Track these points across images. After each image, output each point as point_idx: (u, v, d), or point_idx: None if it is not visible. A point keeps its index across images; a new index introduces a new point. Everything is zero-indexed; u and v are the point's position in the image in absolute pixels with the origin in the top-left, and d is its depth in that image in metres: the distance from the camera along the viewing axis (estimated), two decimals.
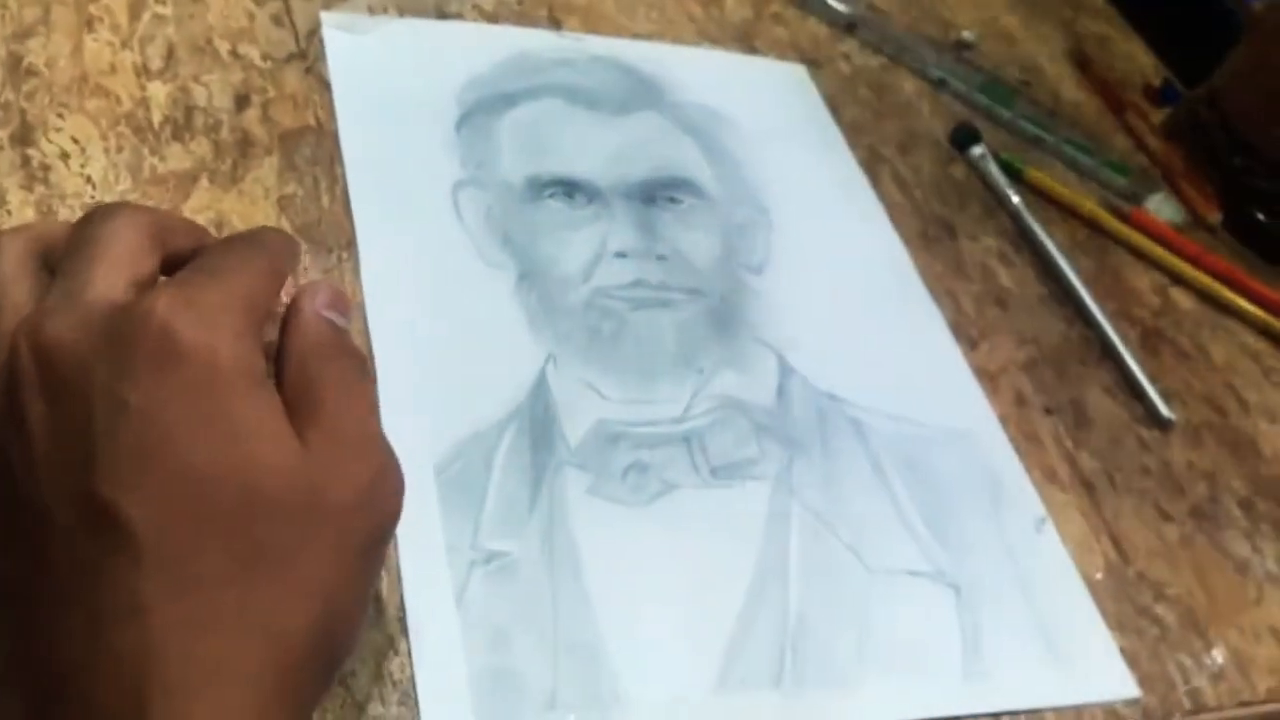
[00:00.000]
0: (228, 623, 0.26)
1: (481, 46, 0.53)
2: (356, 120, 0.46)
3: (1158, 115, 0.69)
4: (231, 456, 0.26)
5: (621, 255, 0.46)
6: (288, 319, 0.31)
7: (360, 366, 0.31)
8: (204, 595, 0.25)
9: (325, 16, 0.50)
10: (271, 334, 0.31)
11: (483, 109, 0.49)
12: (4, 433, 0.27)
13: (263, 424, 0.27)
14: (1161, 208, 0.62)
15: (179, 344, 0.26)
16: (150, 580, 0.25)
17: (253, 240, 0.32)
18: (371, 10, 0.52)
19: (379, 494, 0.29)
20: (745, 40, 0.61)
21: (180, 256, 0.32)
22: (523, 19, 0.56)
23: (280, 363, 0.30)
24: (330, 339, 0.31)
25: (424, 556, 0.35)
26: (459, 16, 0.54)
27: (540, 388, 0.41)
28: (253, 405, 0.27)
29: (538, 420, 0.40)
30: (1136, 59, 0.75)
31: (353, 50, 0.49)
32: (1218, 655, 0.43)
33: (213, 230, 0.41)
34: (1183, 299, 0.59)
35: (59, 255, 0.31)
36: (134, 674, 0.25)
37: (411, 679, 0.33)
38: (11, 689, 0.26)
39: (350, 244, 0.42)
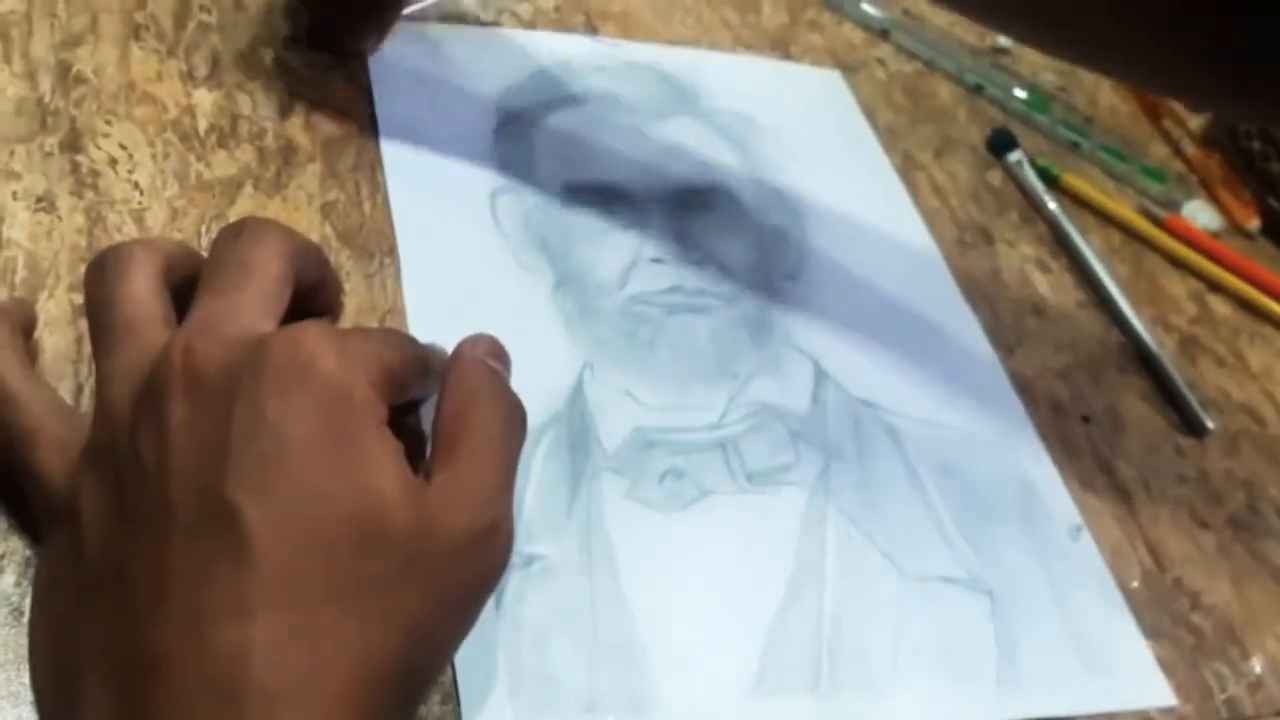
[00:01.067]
0: (324, 638, 0.27)
1: (519, 54, 0.53)
2: (396, 127, 0.47)
3: (1195, 122, 0.69)
4: (353, 484, 0.28)
5: (658, 261, 0.46)
6: (451, 363, 0.34)
7: (511, 417, 0.33)
8: (306, 608, 0.27)
9: None
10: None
11: (521, 117, 0.50)
12: (143, 431, 0.29)
13: (383, 457, 0.29)
14: (1198, 215, 0.62)
15: (320, 373, 0.28)
16: (258, 586, 0.26)
17: (401, 331, 0.38)
18: (411, 18, 0.52)
19: (485, 549, 0.30)
20: (780, 46, 0.61)
21: (305, 284, 0.35)
22: (559, 25, 0.56)
23: (439, 404, 0.32)
24: (487, 384, 0.33)
25: None
26: (497, 24, 0.55)
27: (577, 394, 0.41)
28: (376, 439, 0.29)
29: (575, 427, 0.40)
30: None
31: (393, 57, 0.50)
32: (1255, 664, 0.43)
33: None
34: (1220, 306, 0.58)
35: (189, 268, 0.34)
36: (229, 674, 0.26)
37: (453, 679, 0.33)
38: (103, 676, 0.27)
39: (392, 250, 0.43)
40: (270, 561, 0.26)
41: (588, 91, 0.53)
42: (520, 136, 0.49)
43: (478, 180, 0.47)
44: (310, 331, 0.29)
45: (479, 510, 0.30)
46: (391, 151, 0.46)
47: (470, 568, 0.30)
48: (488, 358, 0.34)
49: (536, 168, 0.48)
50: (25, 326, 0.35)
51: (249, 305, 0.31)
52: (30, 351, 0.35)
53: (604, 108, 0.52)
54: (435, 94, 0.49)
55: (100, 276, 0.33)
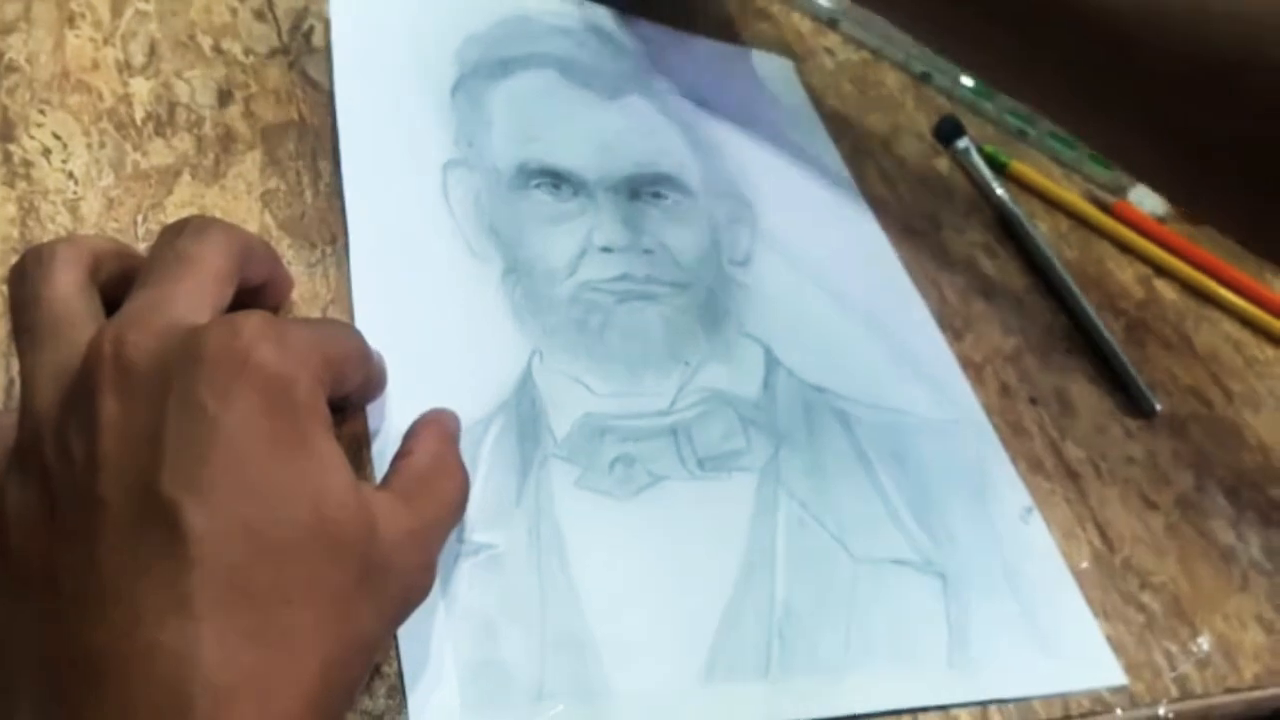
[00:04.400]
0: (275, 639, 0.26)
1: (481, 2, 0.53)
2: (352, 82, 0.46)
3: None
4: (304, 485, 0.27)
5: (607, 250, 0.46)
6: (426, 415, 0.36)
7: (466, 494, 0.34)
8: (255, 609, 0.26)
9: None
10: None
11: (479, 74, 0.49)
12: (71, 426, 0.28)
13: (335, 461, 0.28)
14: (1144, 200, 0.62)
15: (259, 364, 0.28)
16: (203, 586, 0.25)
17: (343, 321, 0.38)
18: None
19: (418, 569, 0.31)
20: (730, 34, 0.61)
21: (251, 283, 0.34)
22: None
23: (405, 447, 0.34)
24: (454, 450, 0.35)
25: None
26: None
27: (526, 382, 0.40)
28: (326, 441, 0.29)
29: (524, 414, 0.40)
30: None
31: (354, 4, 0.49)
32: (1204, 642, 0.44)
33: None
34: (1166, 290, 0.59)
35: (120, 266, 0.33)
36: (176, 673, 0.25)
37: (399, 672, 0.33)
38: (37, 680, 0.26)
39: (334, 239, 0.42)
40: (214, 561, 0.26)
41: (547, 54, 0.52)
42: (477, 99, 0.49)
43: (432, 147, 0.46)
44: (248, 321, 0.28)
45: (419, 536, 0.31)
46: (346, 101, 0.45)
47: (409, 581, 0.31)
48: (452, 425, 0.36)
49: (490, 140, 0.48)
50: None
51: (184, 296, 0.30)
52: None
53: (562, 75, 0.52)
54: (394, 42, 0.49)
55: (23, 276, 0.32)
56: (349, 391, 0.33)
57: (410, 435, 0.34)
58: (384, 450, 0.36)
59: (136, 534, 0.26)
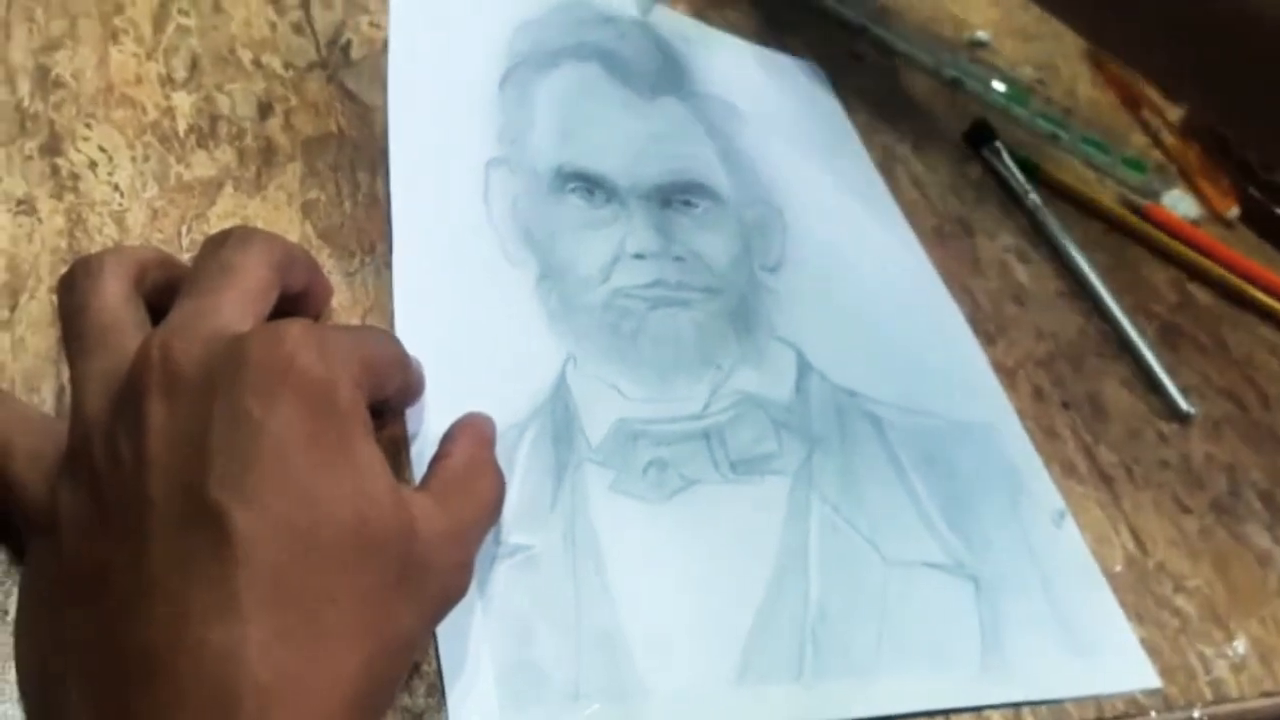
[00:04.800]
0: (319, 637, 0.27)
1: None
2: (409, 64, 0.48)
3: (1174, 112, 0.69)
4: (345, 488, 0.28)
5: (639, 257, 0.46)
6: (465, 419, 0.36)
7: (502, 495, 0.35)
8: (299, 609, 0.27)
9: None
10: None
11: (528, 65, 0.51)
12: (120, 431, 0.29)
13: (376, 466, 0.29)
14: (1178, 204, 0.62)
15: (301, 370, 0.28)
16: (248, 586, 0.26)
17: (379, 328, 0.39)
18: None
19: (457, 567, 0.32)
20: (760, 43, 0.61)
21: (292, 290, 0.35)
22: None
23: (443, 449, 0.35)
24: (492, 455, 0.36)
25: None
26: None
27: (560, 387, 0.41)
28: (366, 446, 0.29)
29: (559, 419, 0.40)
30: None
31: None
32: (1239, 646, 0.43)
33: None
34: (1200, 294, 0.59)
35: (166, 276, 0.35)
36: (222, 671, 0.26)
37: (438, 670, 0.33)
38: (86, 676, 0.27)
39: (372, 249, 0.43)
40: (260, 562, 0.26)
41: (593, 46, 0.53)
42: (523, 90, 0.50)
43: (477, 143, 0.47)
44: (291, 328, 0.29)
45: (457, 536, 0.32)
46: (399, 94, 0.47)
47: (447, 580, 0.31)
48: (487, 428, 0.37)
49: (531, 137, 0.49)
50: None
51: (228, 305, 0.31)
52: None
53: (604, 68, 0.53)
54: (455, 19, 0.51)
55: (72, 286, 0.33)
56: (388, 396, 0.34)
57: (447, 438, 0.35)
58: (423, 453, 0.37)
59: (184, 535, 0.27)
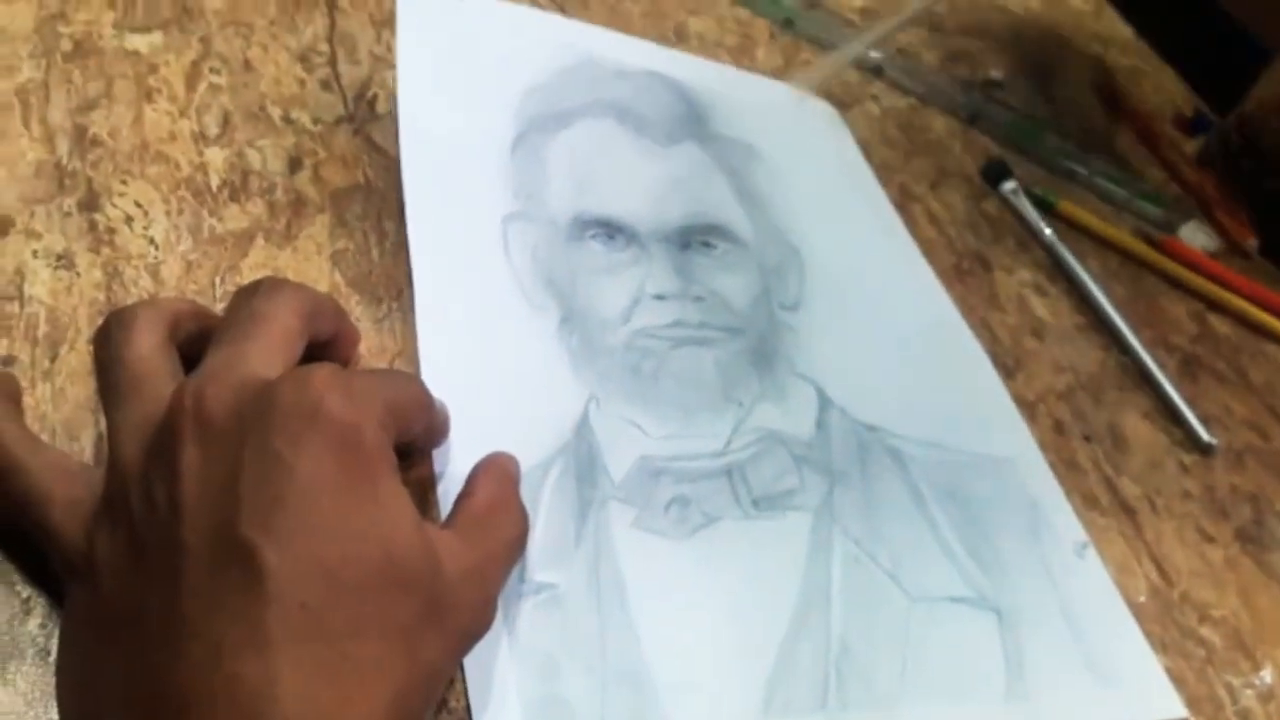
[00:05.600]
0: (348, 672, 0.27)
1: (548, 43, 0.55)
2: (417, 135, 0.48)
3: (1191, 145, 0.70)
4: (372, 525, 0.29)
5: (660, 298, 0.47)
6: (490, 457, 0.37)
7: (525, 532, 0.36)
8: (331, 645, 0.27)
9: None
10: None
11: (538, 128, 0.51)
12: (155, 476, 0.30)
13: (399, 499, 0.30)
14: (1196, 236, 0.62)
15: (328, 413, 0.29)
16: (278, 621, 0.27)
17: (404, 371, 0.40)
18: None
19: (481, 603, 0.33)
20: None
21: (321, 338, 0.36)
22: None
23: (469, 486, 0.36)
24: (516, 490, 0.37)
25: None
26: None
27: (584, 427, 0.42)
28: (389, 479, 0.30)
29: (582, 458, 0.41)
30: (1167, 90, 0.76)
31: (422, 40, 0.51)
32: (1266, 675, 0.43)
33: None
34: (1220, 325, 0.59)
35: (198, 325, 0.36)
36: (254, 706, 0.26)
37: (467, 707, 0.34)
38: (125, 714, 0.28)
39: (400, 295, 0.44)
40: (289, 598, 0.27)
41: (607, 103, 0.54)
42: (536, 152, 0.50)
43: (492, 201, 0.48)
44: (318, 373, 0.30)
45: (481, 572, 0.33)
46: (411, 163, 0.47)
47: (472, 615, 0.32)
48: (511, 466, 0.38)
49: (548, 191, 0.49)
50: (13, 396, 0.36)
51: (258, 353, 0.32)
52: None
53: (619, 123, 0.53)
54: (459, 91, 0.51)
55: (107, 338, 0.34)
56: (414, 437, 0.35)
57: (472, 477, 0.36)
58: (449, 492, 0.37)
59: (216, 574, 0.28)
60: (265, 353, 0.33)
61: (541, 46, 0.55)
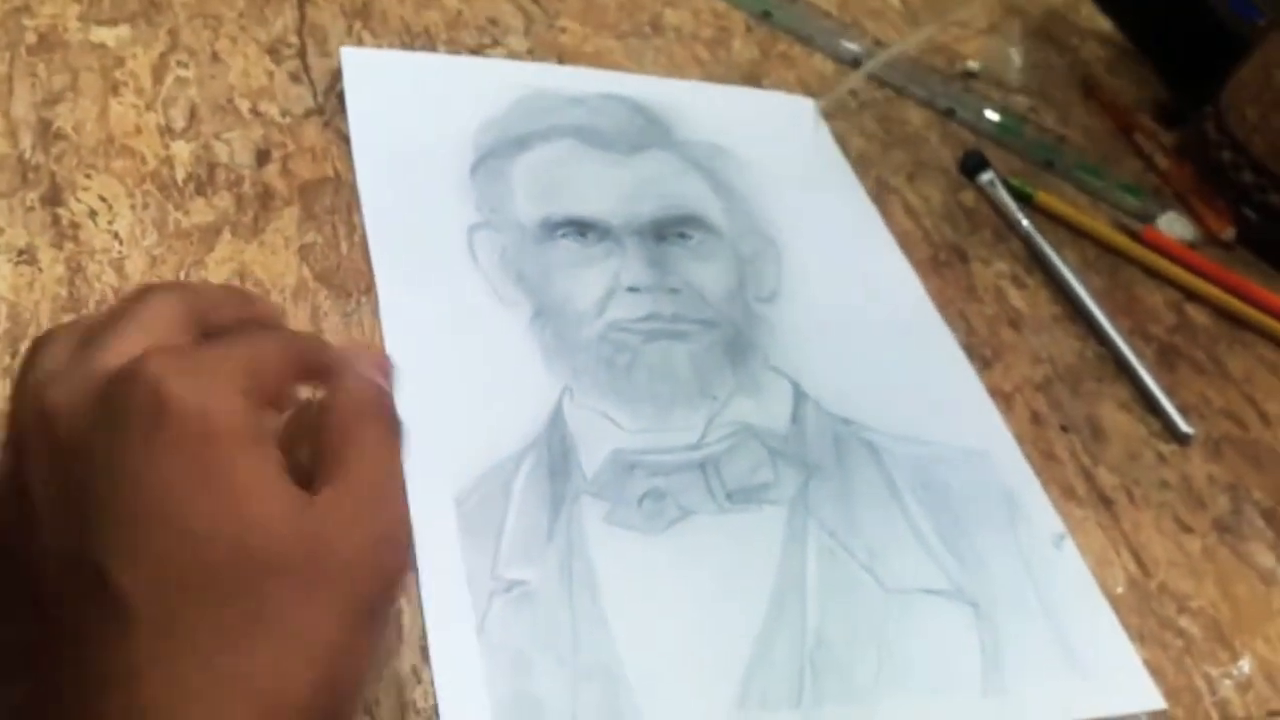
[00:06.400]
0: (221, 688, 0.26)
1: (496, 84, 0.54)
2: (374, 164, 0.48)
3: (1168, 137, 0.70)
4: (224, 515, 0.27)
5: (634, 290, 0.47)
6: (332, 377, 0.31)
7: (395, 430, 0.31)
8: (196, 661, 0.26)
9: (345, 54, 0.52)
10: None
11: (496, 153, 0.51)
12: (12, 493, 0.28)
13: (258, 481, 0.27)
14: (1174, 226, 0.62)
15: (168, 403, 0.27)
16: (140, 648, 0.25)
17: (271, 322, 0.34)
18: (389, 45, 0.53)
19: (382, 553, 0.29)
20: (753, 80, 0.62)
21: (219, 325, 0.32)
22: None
23: (320, 417, 0.30)
24: (370, 399, 0.31)
25: (445, 586, 0.36)
26: (478, 51, 0.56)
27: (557, 420, 0.41)
28: (247, 463, 0.27)
29: (555, 451, 0.40)
30: (1145, 82, 0.76)
31: (371, 92, 0.51)
32: (1245, 665, 0.43)
33: (236, 281, 0.42)
34: (1198, 314, 0.59)
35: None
36: None
37: (435, 707, 0.33)
38: None
39: (369, 289, 0.44)
40: (149, 622, 0.25)
41: (564, 127, 0.53)
42: (497, 173, 0.50)
43: (454, 217, 0.47)
44: (152, 360, 0.27)
45: (372, 519, 0.29)
46: (368, 188, 0.47)
47: (371, 578, 0.29)
48: (371, 371, 0.32)
49: (513, 203, 0.49)
50: None
51: (116, 346, 0.29)
52: None
53: (580, 143, 0.53)
54: (413, 128, 0.50)
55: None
56: (307, 380, 0.32)
57: (322, 408, 0.31)
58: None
59: (76, 603, 0.26)
60: (123, 343, 0.29)
61: (490, 86, 0.54)
